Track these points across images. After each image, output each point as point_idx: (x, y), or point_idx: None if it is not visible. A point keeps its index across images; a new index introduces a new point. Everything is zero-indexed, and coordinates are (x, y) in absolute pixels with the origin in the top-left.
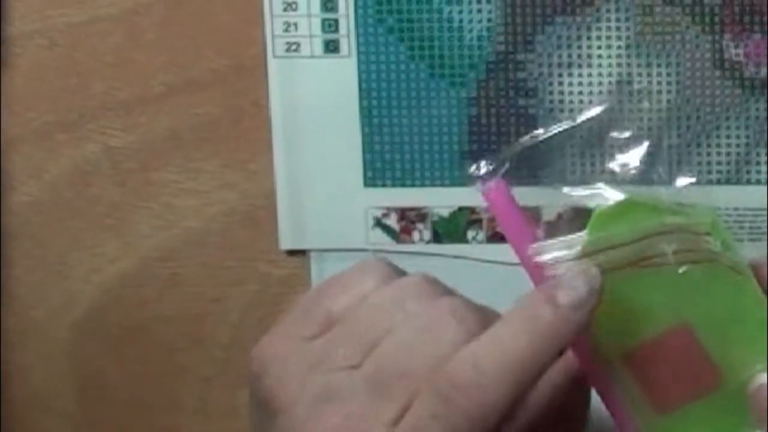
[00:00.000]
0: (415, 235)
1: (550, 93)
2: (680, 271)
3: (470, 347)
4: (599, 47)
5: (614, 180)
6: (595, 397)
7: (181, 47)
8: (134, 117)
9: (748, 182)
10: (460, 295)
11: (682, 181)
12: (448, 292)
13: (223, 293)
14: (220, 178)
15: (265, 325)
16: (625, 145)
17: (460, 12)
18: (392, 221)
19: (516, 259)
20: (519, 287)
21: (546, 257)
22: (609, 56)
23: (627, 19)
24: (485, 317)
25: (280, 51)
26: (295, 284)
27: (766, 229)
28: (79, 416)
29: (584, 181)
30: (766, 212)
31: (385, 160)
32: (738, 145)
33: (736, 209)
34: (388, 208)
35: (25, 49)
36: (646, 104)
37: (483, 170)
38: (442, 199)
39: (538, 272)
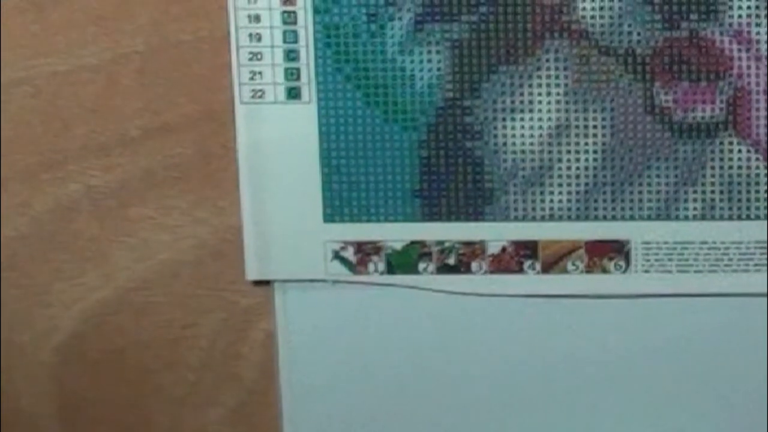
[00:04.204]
0: (371, 267)
1: (495, 136)
2: None
3: None
4: (540, 94)
5: (553, 216)
6: None
7: (156, 94)
8: (113, 158)
9: (677, 218)
10: None
11: None
12: None
13: (194, 320)
14: (191, 214)
15: (233, 350)
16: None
17: (412, 62)
18: (349, 254)
19: (462, 289)
20: (465, 315)
21: None
22: (549, 102)
23: (565, 69)
24: None
25: (246, 97)
26: (260, 312)
27: (692, 262)
28: None
29: (526, 218)
30: (694, 246)
31: (342, 197)
32: (667, 184)
33: (666, 243)
34: (346, 242)
35: (12, 96)
36: None
37: None
38: (395, 234)
39: None
